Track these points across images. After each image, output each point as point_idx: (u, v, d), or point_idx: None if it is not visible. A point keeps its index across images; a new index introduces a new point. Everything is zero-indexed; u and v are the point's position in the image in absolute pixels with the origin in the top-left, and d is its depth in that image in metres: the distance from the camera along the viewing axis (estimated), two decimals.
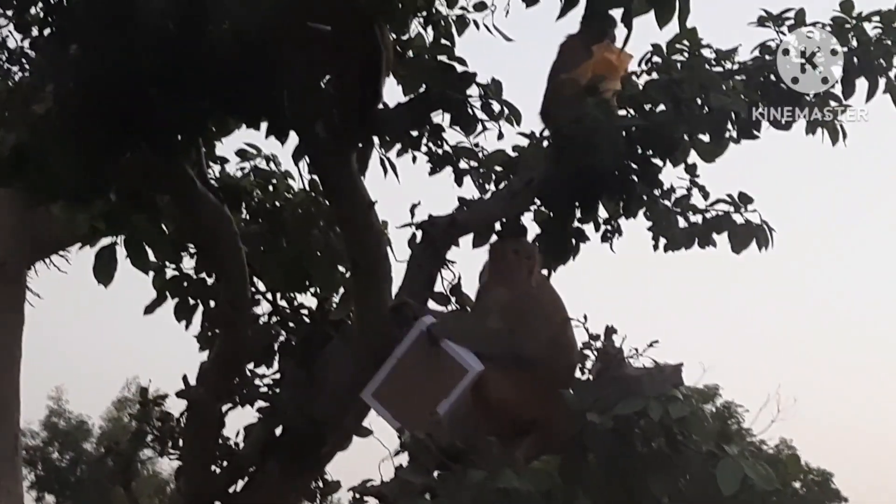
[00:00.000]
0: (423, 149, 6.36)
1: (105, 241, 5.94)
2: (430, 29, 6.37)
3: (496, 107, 6.06)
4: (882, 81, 6.33)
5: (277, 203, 7.14)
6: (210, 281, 6.83)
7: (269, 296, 7.03)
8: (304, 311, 7.12)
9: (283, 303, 7.11)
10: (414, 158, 6.35)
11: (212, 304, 6.85)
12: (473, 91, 5.99)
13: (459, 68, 5.88)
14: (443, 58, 5.87)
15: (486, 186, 6.55)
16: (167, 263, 6.79)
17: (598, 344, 5.69)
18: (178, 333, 6.91)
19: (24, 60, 6.58)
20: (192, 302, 6.93)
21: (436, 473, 5.34)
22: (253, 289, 6.57)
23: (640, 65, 6.43)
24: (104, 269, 5.98)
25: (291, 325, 7.05)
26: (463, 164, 6.49)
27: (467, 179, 6.54)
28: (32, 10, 5.22)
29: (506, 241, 6.10)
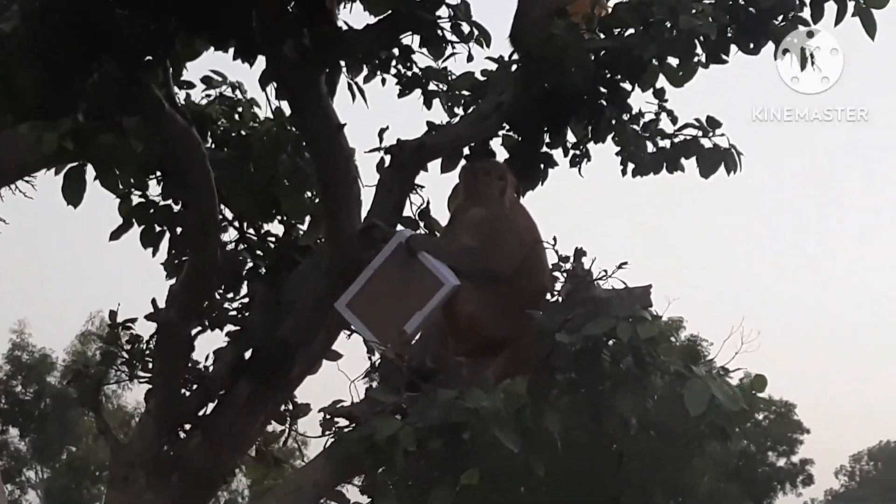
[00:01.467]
0: (392, 71, 6.36)
1: (73, 163, 5.95)
2: None
3: (465, 28, 6.04)
4: (851, 5, 6.30)
5: (243, 132, 7.11)
6: (177, 208, 6.82)
7: (236, 223, 7.02)
8: (272, 239, 7.12)
9: (250, 230, 7.09)
10: (383, 80, 6.35)
11: (178, 231, 6.85)
12: (443, 12, 5.97)
13: None
14: None
15: (455, 110, 6.55)
16: (133, 189, 6.77)
17: (568, 266, 5.74)
18: (143, 263, 6.91)
19: None
20: (158, 229, 6.90)
21: (406, 394, 5.40)
22: (220, 216, 6.55)
23: None
24: (73, 190, 5.96)
25: (259, 252, 7.04)
26: (432, 87, 6.49)
27: (436, 103, 6.55)
28: None
29: (477, 163, 6.11)
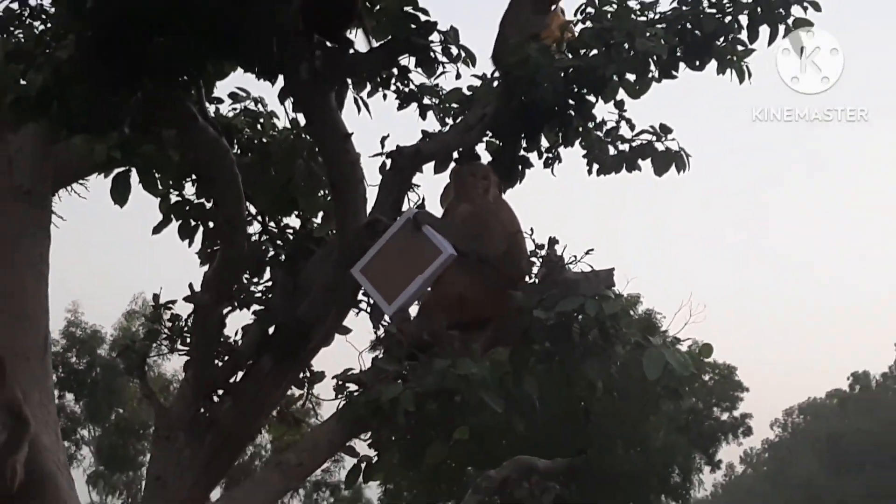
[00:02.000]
0: (392, 88, 6.35)
1: (120, 169, 5.96)
2: None
3: (454, 51, 6.03)
4: (781, 27, 6.32)
5: (264, 139, 7.09)
6: (208, 206, 6.81)
7: (259, 218, 7.02)
8: (290, 231, 7.11)
9: (271, 224, 7.09)
10: (384, 96, 6.32)
11: (210, 225, 6.84)
12: (435, 37, 5.96)
13: (422, 18, 5.85)
14: (408, 8, 5.82)
15: (446, 120, 6.54)
16: (171, 190, 6.77)
17: (543, 252, 5.76)
18: (180, 252, 6.90)
19: (43, 16, 6.54)
20: (193, 223, 6.90)
21: (406, 363, 5.42)
22: (246, 213, 6.55)
23: (575, 14, 6.40)
24: (120, 192, 6.00)
25: (279, 242, 7.05)
26: (426, 101, 6.48)
27: (429, 114, 6.53)
28: None
29: (465, 166, 6.14)
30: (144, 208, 6.76)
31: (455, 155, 6.39)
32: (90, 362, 39.95)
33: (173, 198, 6.82)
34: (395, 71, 6.21)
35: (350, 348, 6.03)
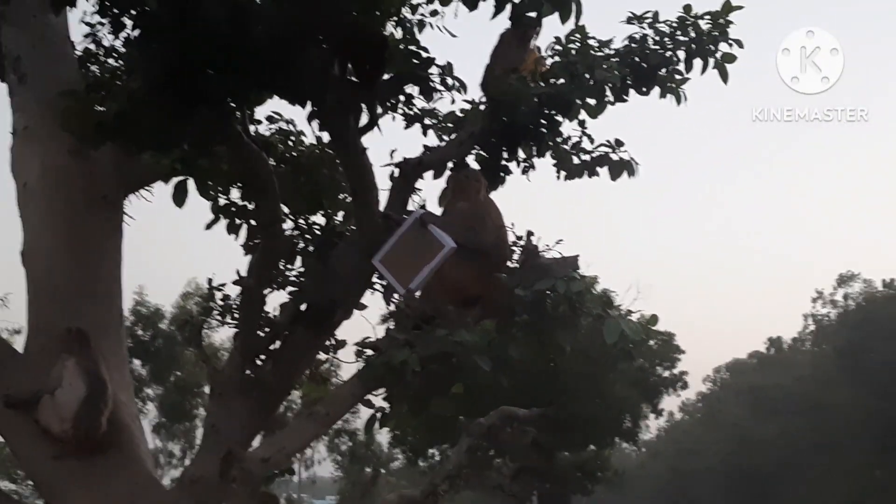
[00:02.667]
0: (399, 111, 6.37)
1: (179, 178, 5.99)
2: (399, 29, 6.39)
3: (450, 81, 6.08)
4: (711, 61, 6.36)
5: (294, 153, 7.11)
6: (251, 207, 6.82)
7: (292, 217, 7.02)
8: (316, 227, 7.10)
9: (301, 221, 7.09)
10: (393, 118, 6.35)
11: (252, 223, 6.85)
12: (434, 70, 5.99)
13: (423, 55, 5.88)
14: (412, 47, 5.85)
15: (444, 137, 6.56)
16: (220, 195, 6.78)
17: (522, 242, 5.80)
18: (225, 245, 6.90)
19: (114, 53, 6.56)
20: (238, 222, 6.91)
21: (413, 332, 5.45)
22: (281, 212, 6.56)
23: (547, 50, 6.43)
24: (180, 196, 6.01)
25: (307, 236, 7.04)
26: (427, 122, 6.51)
27: (430, 133, 6.57)
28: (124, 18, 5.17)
29: (460, 171, 6.16)
30: (196, 209, 6.78)
31: (450, 165, 6.41)
32: (154, 334, 39.87)
33: (222, 201, 6.83)
34: (402, 98, 6.25)
35: (363, 321, 6.18)
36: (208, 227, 6.90)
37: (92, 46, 6.78)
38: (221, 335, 36.27)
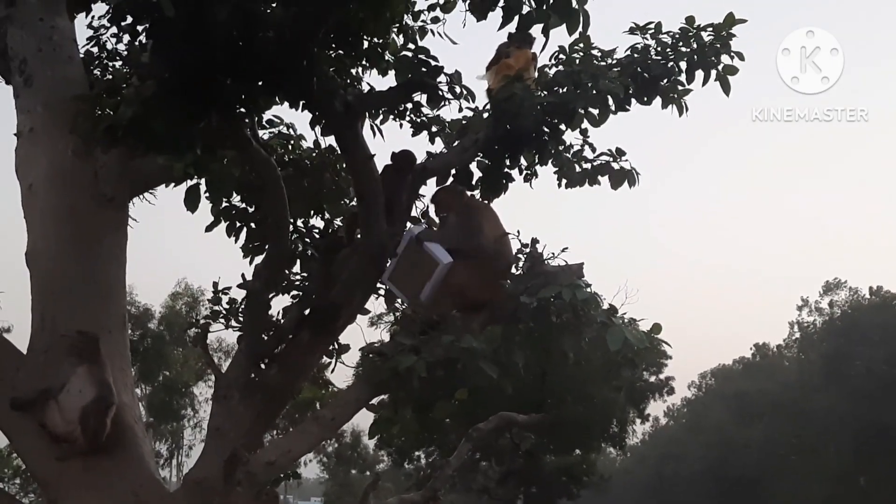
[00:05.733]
0: (407, 119, 6.41)
1: (191, 182, 6.01)
2: (401, 35, 6.43)
3: (458, 89, 6.08)
4: (713, 73, 6.39)
5: (293, 157, 7.11)
6: (251, 210, 6.82)
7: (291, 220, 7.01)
8: (316, 231, 7.08)
9: (300, 224, 7.07)
10: (400, 125, 6.37)
11: (252, 226, 6.85)
12: (442, 78, 6.01)
13: (432, 63, 5.90)
14: (421, 55, 5.87)
15: (452, 144, 6.58)
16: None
17: (527, 250, 5.82)
18: (212, 246, 6.88)
19: (118, 57, 6.57)
20: (238, 224, 6.90)
21: (420, 337, 5.47)
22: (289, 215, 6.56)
23: (550, 60, 6.45)
24: (192, 201, 6.04)
25: (307, 240, 7.03)
26: (434, 129, 6.55)
27: (437, 140, 6.61)
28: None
29: (439, 191, 6.23)
30: (184, 210, 6.75)
31: (453, 171, 6.44)
32: (142, 334, 39.81)
33: (222, 203, 6.81)
34: (409, 105, 6.28)
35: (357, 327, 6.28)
36: (209, 229, 6.89)
37: (94, 49, 6.81)
38: (218, 335, 36.09)
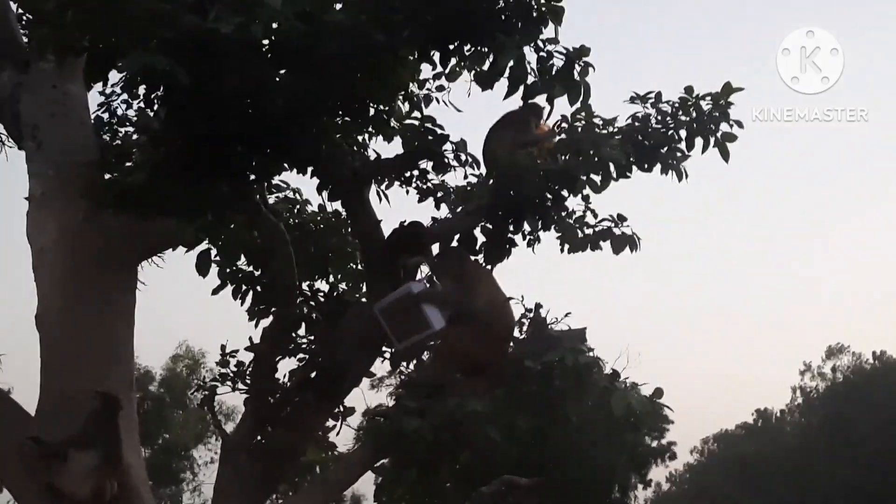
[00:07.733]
0: (413, 185, 6.48)
1: (202, 247, 6.07)
2: (406, 103, 6.52)
3: (463, 157, 6.17)
4: (712, 140, 6.46)
5: (298, 220, 7.17)
6: (257, 273, 6.86)
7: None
8: (321, 294, 7.10)
9: (305, 288, 7.08)
10: (407, 192, 6.45)
11: (258, 289, 6.88)
12: (447, 146, 6.10)
13: (438, 131, 6.00)
14: (427, 124, 5.98)
15: (456, 210, 6.64)
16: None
17: (531, 315, 5.88)
18: (213, 309, 6.86)
19: (127, 123, 6.67)
20: (244, 287, 6.93)
21: (424, 400, 5.51)
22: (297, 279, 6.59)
23: (553, 128, 6.53)
24: (203, 265, 6.11)
25: (311, 303, 7.03)
26: (439, 195, 6.61)
27: (442, 205, 6.66)
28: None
29: (437, 256, 6.28)
30: (185, 272, 6.78)
31: (457, 236, 6.51)
32: (143, 396, 39.53)
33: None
34: (415, 172, 6.37)
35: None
36: (215, 292, 6.91)
37: (105, 115, 6.90)
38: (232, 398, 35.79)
